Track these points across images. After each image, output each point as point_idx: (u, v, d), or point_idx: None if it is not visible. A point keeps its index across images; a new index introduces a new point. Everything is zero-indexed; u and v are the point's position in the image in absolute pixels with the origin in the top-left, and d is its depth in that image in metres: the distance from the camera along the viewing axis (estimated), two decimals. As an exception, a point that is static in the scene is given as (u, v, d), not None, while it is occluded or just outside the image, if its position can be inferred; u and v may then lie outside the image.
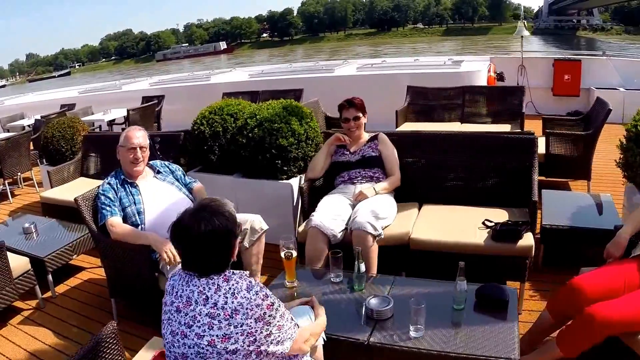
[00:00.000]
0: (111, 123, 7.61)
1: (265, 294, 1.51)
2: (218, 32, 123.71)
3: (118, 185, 2.87)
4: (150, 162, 3.06)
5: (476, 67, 7.67)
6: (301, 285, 2.53)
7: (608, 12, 74.99)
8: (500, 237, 2.75)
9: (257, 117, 3.79)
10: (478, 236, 2.82)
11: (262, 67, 11.34)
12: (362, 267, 2.40)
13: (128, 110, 7.16)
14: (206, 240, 1.48)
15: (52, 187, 4.79)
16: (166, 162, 3.19)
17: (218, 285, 1.48)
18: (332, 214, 3.00)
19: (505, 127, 5.26)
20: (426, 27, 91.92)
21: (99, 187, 2.94)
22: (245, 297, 1.47)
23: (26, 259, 3.24)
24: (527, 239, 2.74)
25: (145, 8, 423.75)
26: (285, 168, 3.73)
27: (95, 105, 8.69)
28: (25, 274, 3.19)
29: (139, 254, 2.71)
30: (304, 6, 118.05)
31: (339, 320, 2.14)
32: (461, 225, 2.97)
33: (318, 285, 2.52)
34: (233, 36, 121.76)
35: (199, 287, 1.49)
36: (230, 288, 1.48)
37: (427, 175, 3.45)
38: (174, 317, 1.52)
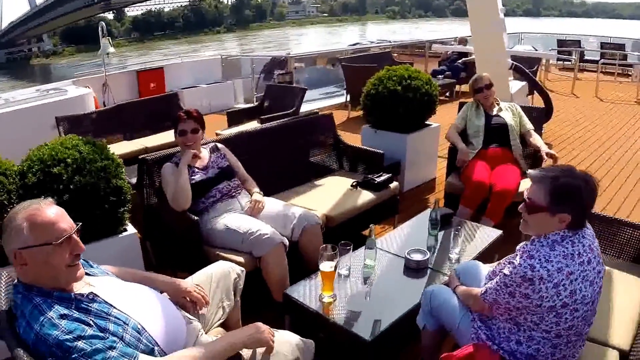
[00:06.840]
0: None
1: None
2: None
3: (75, 312, 1.49)
4: None
5: (84, 92, 6.85)
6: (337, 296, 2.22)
7: (57, 35, 74.92)
8: (382, 186, 3.38)
9: (68, 160, 2.52)
10: (364, 194, 3.30)
11: None
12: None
13: None
14: None
15: None
16: None
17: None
18: (270, 227, 2.65)
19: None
20: None
21: (44, 337, 1.36)
22: None
23: None
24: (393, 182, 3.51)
25: None
26: (127, 215, 2.74)
27: None
28: None
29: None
30: None
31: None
32: (339, 194, 3.30)
33: (344, 288, 2.30)
34: None
35: (589, 239, 1.64)
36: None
37: (257, 171, 3.23)
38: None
